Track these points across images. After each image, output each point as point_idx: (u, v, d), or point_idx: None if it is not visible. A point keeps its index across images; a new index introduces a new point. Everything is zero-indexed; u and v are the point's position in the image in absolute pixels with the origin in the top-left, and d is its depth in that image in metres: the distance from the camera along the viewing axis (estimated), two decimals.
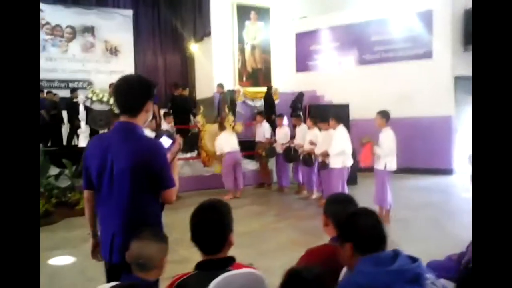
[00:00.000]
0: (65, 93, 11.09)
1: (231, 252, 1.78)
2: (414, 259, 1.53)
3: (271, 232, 5.59)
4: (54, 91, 10.93)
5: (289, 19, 12.24)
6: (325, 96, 11.35)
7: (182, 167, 8.88)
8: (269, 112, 9.99)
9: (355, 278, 1.52)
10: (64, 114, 10.30)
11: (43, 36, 11.94)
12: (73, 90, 10.65)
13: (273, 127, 9.00)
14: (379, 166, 5.73)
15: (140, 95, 2.08)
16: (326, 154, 6.61)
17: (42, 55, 11.46)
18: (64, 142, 10.19)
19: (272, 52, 12.08)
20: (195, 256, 1.77)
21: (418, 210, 6.53)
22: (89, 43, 12.90)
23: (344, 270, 1.74)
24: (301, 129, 8.04)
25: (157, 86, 10.34)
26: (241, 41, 11.61)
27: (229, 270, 1.67)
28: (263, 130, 8.89)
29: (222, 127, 8.25)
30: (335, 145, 6.36)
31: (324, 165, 6.63)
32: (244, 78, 11.70)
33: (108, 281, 2.05)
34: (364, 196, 6.25)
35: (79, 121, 10.29)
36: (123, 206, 1.99)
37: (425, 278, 1.51)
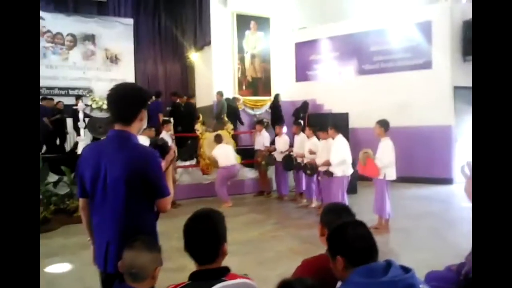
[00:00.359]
0: (65, 101, 11.07)
1: (229, 261, 1.77)
2: (407, 270, 1.50)
3: (270, 241, 5.56)
4: (55, 98, 10.95)
5: (288, 29, 12.30)
6: (324, 105, 11.40)
7: (181, 175, 8.88)
8: (279, 121, 9.68)
9: None
10: (69, 121, 10.32)
11: (44, 43, 12.01)
12: (78, 98, 10.70)
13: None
14: (379, 175, 5.73)
15: (134, 104, 2.07)
16: (328, 164, 6.57)
17: (43, 63, 11.54)
18: (68, 149, 10.20)
19: (272, 62, 12.11)
20: (193, 264, 1.76)
21: (418, 219, 6.50)
22: (90, 51, 12.97)
23: (340, 283, 1.72)
24: (300, 137, 8.03)
25: (161, 95, 10.24)
26: (241, 50, 11.64)
27: (224, 281, 1.65)
28: (262, 139, 8.89)
29: (218, 140, 8.19)
30: (335, 155, 6.34)
31: (329, 174, 6.53)
32: (244, 87, 11.73)
33: None
34: (363, 205, 6.28)
35: (78, 128, 10.31)
36: (118, 215, 1.98)
37: None
